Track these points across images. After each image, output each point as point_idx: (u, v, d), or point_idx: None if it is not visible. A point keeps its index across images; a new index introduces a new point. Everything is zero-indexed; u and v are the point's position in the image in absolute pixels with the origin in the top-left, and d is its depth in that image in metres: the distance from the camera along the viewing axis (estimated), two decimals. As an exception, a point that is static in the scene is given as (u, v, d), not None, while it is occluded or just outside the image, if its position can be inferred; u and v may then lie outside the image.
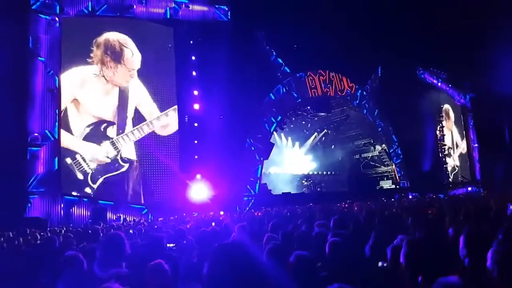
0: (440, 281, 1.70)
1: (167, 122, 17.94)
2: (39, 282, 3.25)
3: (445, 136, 28.66)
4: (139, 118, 17.34)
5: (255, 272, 1.35)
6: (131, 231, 7.51)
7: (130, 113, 17.16)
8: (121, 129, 16.81)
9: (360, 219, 5.87)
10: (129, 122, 17.08)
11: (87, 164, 15.80)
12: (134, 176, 16.84)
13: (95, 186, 15.84)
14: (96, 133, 16.19)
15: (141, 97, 17.47)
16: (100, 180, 15.98)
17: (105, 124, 16.46)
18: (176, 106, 18.23)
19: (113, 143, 16.49)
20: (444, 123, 28.96)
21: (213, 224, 8.02)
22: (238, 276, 1.31)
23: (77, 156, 15.64)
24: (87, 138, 16.04)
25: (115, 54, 16.91)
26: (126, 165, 16.68)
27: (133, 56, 17.27)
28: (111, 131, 16.59)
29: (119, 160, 16.58)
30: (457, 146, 30.47)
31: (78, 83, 16.09)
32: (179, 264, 3.37)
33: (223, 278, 1.31)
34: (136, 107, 17.32)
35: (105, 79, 16.59)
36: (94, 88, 16.42)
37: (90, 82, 16.32)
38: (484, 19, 22.12)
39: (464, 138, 31.09)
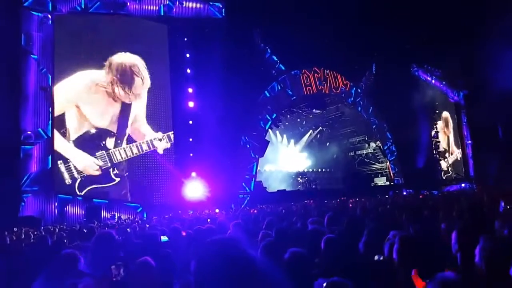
0: (437, 277, 1.72)
1: (165, 145, 17.65)
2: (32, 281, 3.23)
3: (438, 133, 28.84)
4: (136, 130, 17.16)
5: (246, 267, 1.35)
6: (128, 229, 7.50)
7: (130, 123, 16.95)
8: (119, 140, 16.55)
9: (354, 216, 5.90)
10: (127, 132, 16.83)
11: (77, 171, 15.55)
12: (122, 188, 16.45)
13: (81, 194, 15.51)
14: (94, 142, 15.92)
15: (142, 107, 17.37)
16: (86, 190, 15.62)
17: (104, 134, 16.17)
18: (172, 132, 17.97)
19: (108, 155, 16.20)
20: (439, 125, 29.10)
21: (209, 220, 8.01)
22: (229, 271, 1.31)
23: (70, 162, 15.46)
24: (83, 146, 15.74)
25: (125, 78, 16.70)
26: (118, 180, 16.27)
27: (143, 84, 17.18)
28: (109, 142, 16.30)
29: (111, 174, 16.17)
30: (453, 150, 30.59)
31: (82, 89, 15.85)
32: (175, 260, 3.37)
33: (213, 273, 1.31)
34: (135, 116, 17.16)
35: (112, 94, 16.37)
36: (98, 97, 16.15)
37: (95, 91, 16.05)
38: (478, 16, 22.22)
39: (460, 145, 31.12)
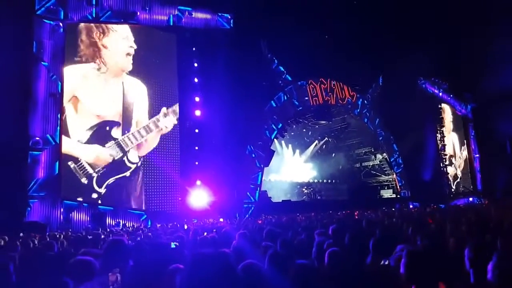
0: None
1: (172, 120, 17.76)
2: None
3: (446, 146, 28.63)
4: (142, 119, 17.17)
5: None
6: (138, 238, 7.48)
7: (136, 111, 16.92)
8: (126, 130, 16.55)
9: (360, 228, 5.85)
10: (134, 122, 16.85)
11: (92, 167, 15.51)
12: (138, 180, 16.55)
13: (101, 190, 15.51)
14: (100, 135, 15.87)
15: (144, 98, 17.35)
16: (106, 183, 15.63)
17: (109, 125, 16.13)
18: (177, 104, 18.14)
19: (118, 144, 16.19)
20: (444, 129, 28.87)
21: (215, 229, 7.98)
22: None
23: (81, 160, 15.46)
24: (90, 141, 15.65)
25: (101, 28, 16.66)
26: (133, 166, 16.35)
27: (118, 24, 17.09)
28: (116, 132, 16.28)
29: (126, 162, 16.21)
30: (459, 154, 30.35)
31: (77, 80, 15.82)
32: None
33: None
34: (140, 107, 17.11)
35: (106, 67, 16.21)
36: (96, 84, 16.09)
37: (91, 78, 16.03)
38: (485, 30, 22.23)
39: (465, 148, 30.99)
